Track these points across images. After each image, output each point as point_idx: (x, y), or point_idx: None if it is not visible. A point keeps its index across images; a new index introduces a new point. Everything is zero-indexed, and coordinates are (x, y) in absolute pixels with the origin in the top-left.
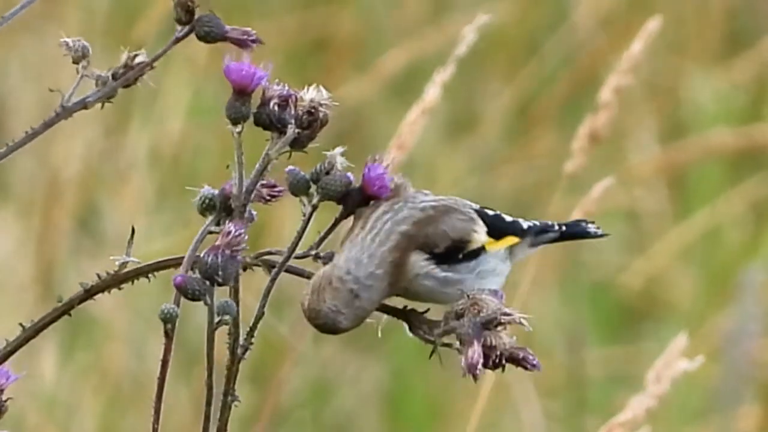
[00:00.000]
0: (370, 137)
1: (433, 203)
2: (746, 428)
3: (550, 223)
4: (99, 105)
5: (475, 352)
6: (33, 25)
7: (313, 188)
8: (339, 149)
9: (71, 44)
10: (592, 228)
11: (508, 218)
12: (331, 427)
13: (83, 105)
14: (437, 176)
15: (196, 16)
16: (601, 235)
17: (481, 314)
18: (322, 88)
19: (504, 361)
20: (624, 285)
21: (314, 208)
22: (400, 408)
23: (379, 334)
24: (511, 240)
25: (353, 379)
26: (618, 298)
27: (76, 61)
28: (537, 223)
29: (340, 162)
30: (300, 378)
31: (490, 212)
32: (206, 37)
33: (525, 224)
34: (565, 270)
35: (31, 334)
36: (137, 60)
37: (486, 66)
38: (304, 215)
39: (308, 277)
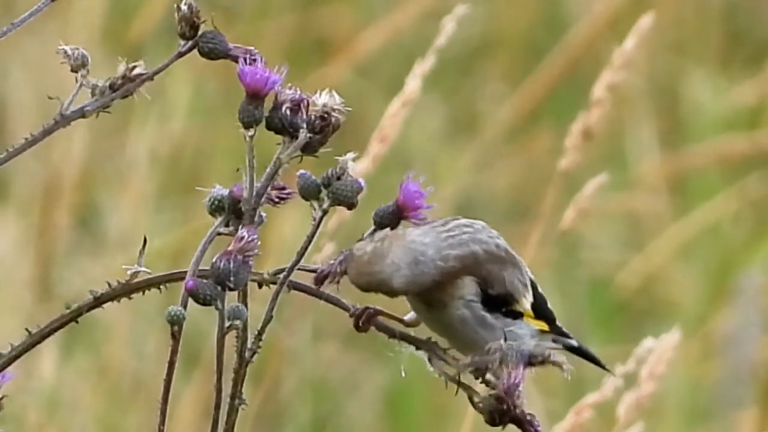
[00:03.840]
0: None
1: (507, 248)
2: (746, 430)
3: (570, 334)
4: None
5: (519, 375)
6: (33, 27)
7: (323, 193)
8: (350, 155)
9: (70, 52)
10: (602, 362)
11: (549, 305)
12: (332, 428)
13: (81, 114)
14: (437, 176)
15: (200, 32)
16: (607, 370)
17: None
18: (334, 92)
19: (511, 416)
20: (623, 283)
21: (324, 212)
22: (400, 409)
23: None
24: (543, 325)
25: (354, 380)
26: (617, 297)
27: (75, 70)
28: (562, 327)
29: (352, 167)
30: (300, 378)
31: (539, 289)
32: (209, 54)
33: (556, 320)
34: (564, 268)
35: (36, 339)
36: (136, 71)
37: (486, 66)
38: (314, 219)
39: (312, 294)
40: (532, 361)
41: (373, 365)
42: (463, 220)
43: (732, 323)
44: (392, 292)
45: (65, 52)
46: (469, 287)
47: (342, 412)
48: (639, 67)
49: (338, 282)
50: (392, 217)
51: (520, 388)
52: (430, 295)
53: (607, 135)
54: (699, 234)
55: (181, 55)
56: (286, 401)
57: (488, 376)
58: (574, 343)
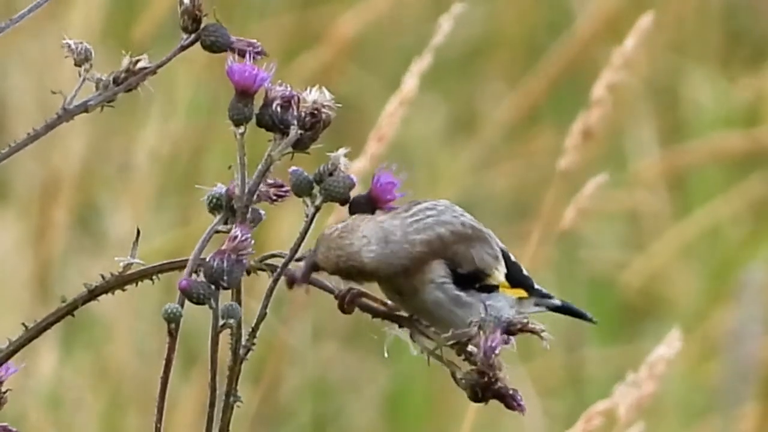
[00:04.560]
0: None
1: (473, 223)
2: (747, 428)
3: (551, 294)
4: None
5: (496, 338)
6: (33, 26)
7: (316, 189)
8: (342, 150)
9: (74, 46)
10: (588, 314)
11: (525, 272)
12: (332, 428)
13: (84, 108)
14: (437, 176)
15: (202, 25)
16: (593, 321)
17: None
18: (324, 89)
19: (494, 390)
20: (624, 283)
21: (317, 209)
22: (400, 409)
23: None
24: (521, 293)
25: (354, 380)
26: (618, 297)
27: (78, 64)
28: (542, 289)
29: (344, 163)
30: (300, 378)
31: (512, 258)
32: (212, 47)
33: (535, 284)
34: (564, 268)
35: (33, 333)
36: (139, 65)
37: (486, 66)
38: (307, 216)
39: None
40: (510, 329)
41: (373, 365)
42: (426, 203)
43: (733, 320)
44: (362, 271)
45: (69, 46)
46: (438, 270)
47: (342, 412)
48: (639, 66)
49: (308, 276)
50: (366, 207)
51: (497, 352)
52: (401, 282)
53: (607, 135)
54: (699, 234)
55: (183, 48)
56: (286, 401)
57: (469, 347)
58: (557, 302)
